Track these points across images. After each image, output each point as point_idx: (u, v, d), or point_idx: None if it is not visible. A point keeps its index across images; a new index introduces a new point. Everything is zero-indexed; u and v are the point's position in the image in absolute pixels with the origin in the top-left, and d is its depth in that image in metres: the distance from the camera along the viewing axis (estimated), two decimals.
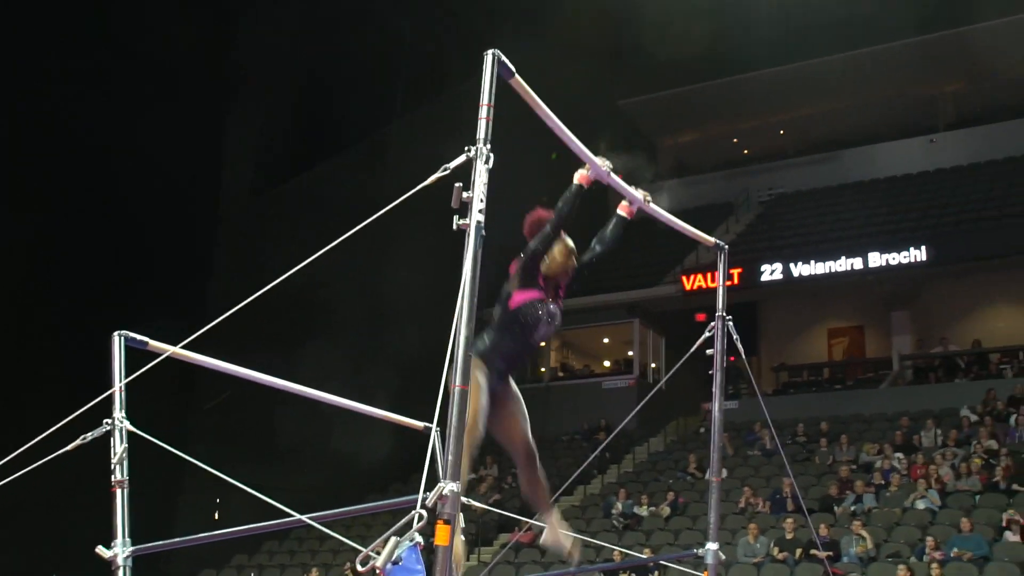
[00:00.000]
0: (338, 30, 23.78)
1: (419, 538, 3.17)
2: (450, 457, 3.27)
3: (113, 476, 4.72)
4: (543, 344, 4.91)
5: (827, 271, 22.44)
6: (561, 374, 26.45)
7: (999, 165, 26.28)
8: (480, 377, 4.76)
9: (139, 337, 4.90)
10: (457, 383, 3.32)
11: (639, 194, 5.05)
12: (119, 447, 4.72)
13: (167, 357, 4.78)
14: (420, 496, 3.18)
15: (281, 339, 20.19)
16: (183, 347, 4.75)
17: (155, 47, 21.23)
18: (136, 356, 4.86)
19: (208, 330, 4.30)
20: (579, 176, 4.75)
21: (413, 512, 3.16)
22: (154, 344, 4.89)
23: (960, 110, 29.05)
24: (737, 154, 31.84)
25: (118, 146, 20.61)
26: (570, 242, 4.98)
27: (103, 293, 19.93)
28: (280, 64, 24.59)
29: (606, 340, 27.27)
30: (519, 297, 4.85)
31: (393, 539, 3.14)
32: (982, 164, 26.65)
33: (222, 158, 24.48)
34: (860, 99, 29.54)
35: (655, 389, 7.38)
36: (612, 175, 4.74)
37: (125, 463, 4.73)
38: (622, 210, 5.18)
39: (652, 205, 5.11)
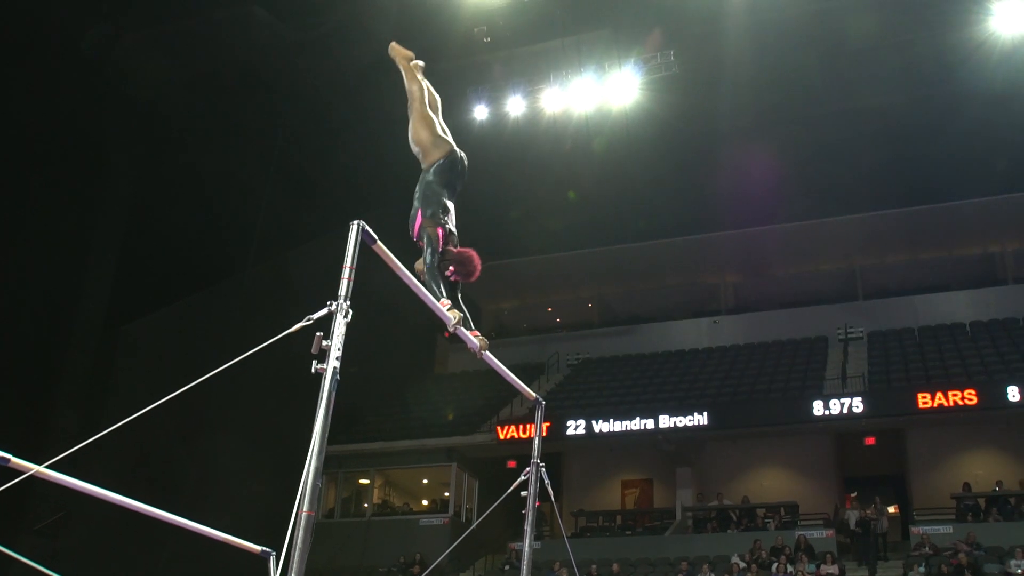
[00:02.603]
0: (203, 183, 23.56)
1: None
2: (292, 574, 3.34)
3: None
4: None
5: (623, 429, 22.94)
6: (382, 510, 25.93)
7: (769, 347, 28.05)
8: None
9: (1, 454, 4.72)
10: (305, 509, 3.40)
11: (477, 343, 5.29)
12: None
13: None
14: None
15: (134, 460, 19.18)
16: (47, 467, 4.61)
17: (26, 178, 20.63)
18: None
19: (65, 451, 4.20)
20: (450, 328, 5.01)
21: None
22: (16, 461, 4.72)
23: (739, 298, 31.10)
24: (551, 321, 32.93)
25: None
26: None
27: None
28: (143, 205, 23.99)
29: (425, 481, 27.01)
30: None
31: None
32: (755, 344, 28.37)
33: (78, 290, 23.49)
34: (657, 283, 31.27)
35: (469, 529, 7.45)
36: (459, 327, 5.03)
37: None
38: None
39: (486, 354, 5.36)
